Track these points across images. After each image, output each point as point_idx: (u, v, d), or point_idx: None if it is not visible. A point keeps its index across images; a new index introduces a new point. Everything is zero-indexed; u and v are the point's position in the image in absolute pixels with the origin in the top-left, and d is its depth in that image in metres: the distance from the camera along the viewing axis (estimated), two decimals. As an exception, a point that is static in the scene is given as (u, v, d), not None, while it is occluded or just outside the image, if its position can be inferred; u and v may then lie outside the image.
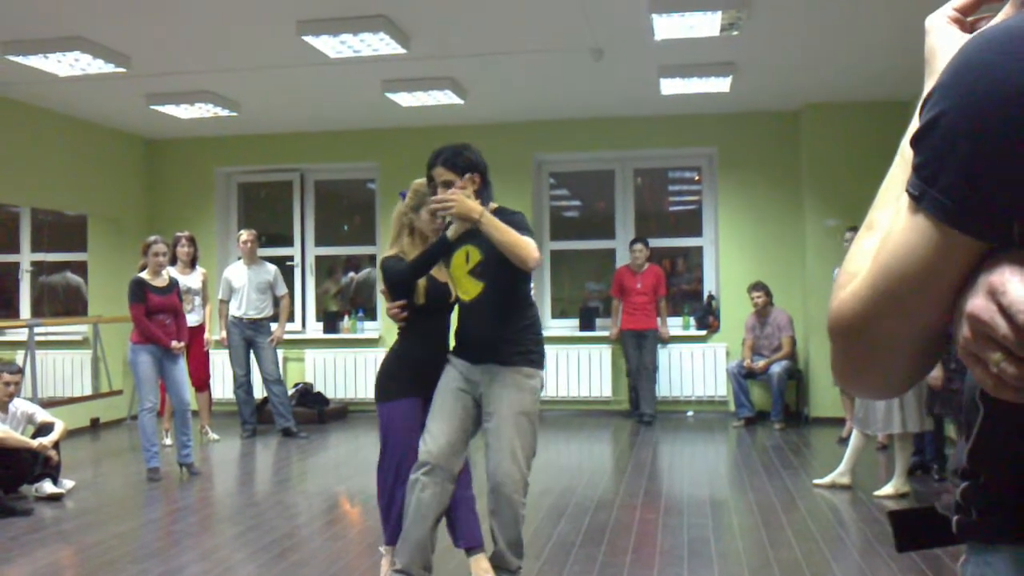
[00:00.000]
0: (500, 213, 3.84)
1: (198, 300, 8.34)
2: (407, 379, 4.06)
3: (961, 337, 0.84)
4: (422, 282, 4.02)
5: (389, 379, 4.12)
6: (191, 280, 8.25)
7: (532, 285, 4.10)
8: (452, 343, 4.10)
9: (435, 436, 3.84)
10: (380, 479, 4.15)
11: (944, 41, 1.00)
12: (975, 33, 0.88)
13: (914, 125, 0.92)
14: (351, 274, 11.10)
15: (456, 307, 4.07)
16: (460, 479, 3.99)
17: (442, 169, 3.85)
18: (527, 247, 3.68)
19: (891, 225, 0.91)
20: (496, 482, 3.81)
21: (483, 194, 3.89)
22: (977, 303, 0.82)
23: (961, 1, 1.03)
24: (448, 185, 3.82)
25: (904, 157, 0.97)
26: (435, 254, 3.90)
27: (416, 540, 3.83)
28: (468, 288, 3.92)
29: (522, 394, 3.83)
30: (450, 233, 3.79)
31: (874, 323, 0.92)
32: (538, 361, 3.94)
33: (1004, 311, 0.79)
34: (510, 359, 3.84)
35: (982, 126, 0.81)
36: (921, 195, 0.86)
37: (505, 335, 3.86)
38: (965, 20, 1.03)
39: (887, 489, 5.88)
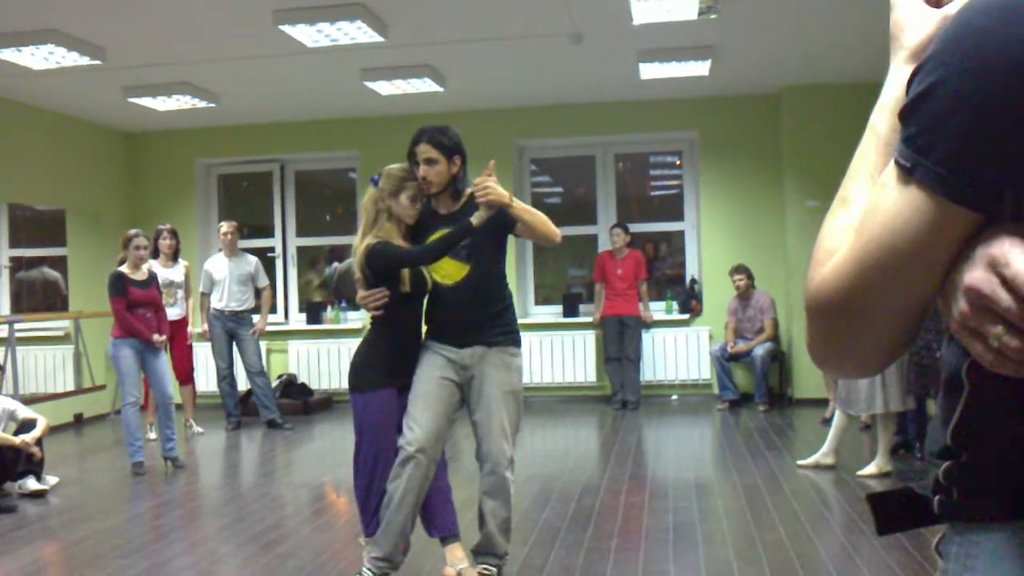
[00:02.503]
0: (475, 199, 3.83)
1: (180, 293, 8.30)
2: (383, 369, 3.97)
3: (957, 312, 0.83)
4: (407, 270, 3.95)
5: (364, 369, 4.00)
6: (173, 273, 8.21)
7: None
8: (425, 330, 4.07)
9: (420, 423, 3.83)
10: (356, 471, 4.09)
11: (911, 15, 0.98)
12: (967, 1, 0.86)
13: (887, 98, 0.91)
14: (335, 264, 11.07)
15: (431, 294, 4.02)
16: (436, 469, 3.99)
17: (427, 146, 3.87)
18: (550, 223, 3.90)
19: (875, 199, 0.89)
20: (493, 462, 3.85)
21: (461, 177, 3.91)
22: (977, 275, 0.80)
23: None
24: (431, 162, 3.85)
25: (876, 131, 0.96)
26: (458, 238, 3.81)
27: (399, 526, 3.84)
28: (450, 272, 3.92)
29: (510, 373, 3.90)
30: (475, 220, 3.75)
31: (860, 299, 0.90)
32: (518, 340, 4.01)
33: (1006, 283, 0.78)
34: (497, 340, 3.90)
35: (983, 94, 0.80)
36: (914, 166, 0.84)
37: (490, 318, 3.91)
38: None
39: (870, 468, 5.92)
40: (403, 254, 3.87)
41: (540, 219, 3.87)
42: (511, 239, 4.07)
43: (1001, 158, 0.80)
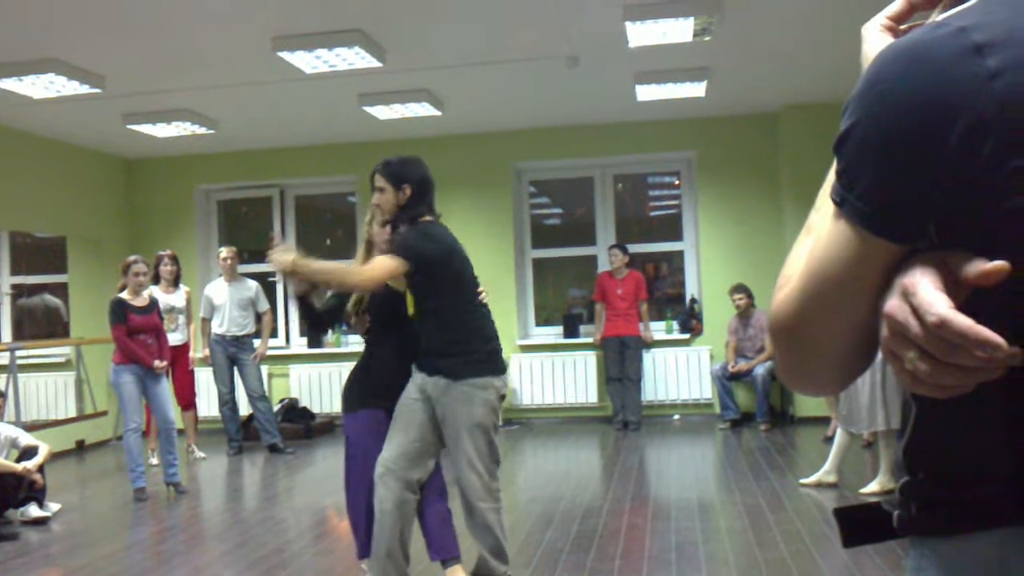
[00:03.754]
0: (416, 228, 3.94)
1: (182, 319, 8.31)
2: (370, 390, 4.11)
3: (881, 336, 0.87)
4: (357, 298, 4.22)
5: (352, 391, 4.18)
6: (174, 299, 8.22)
7: (482, 291, 4.12)
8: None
9: (389, 444, 3.95)
10: (348, 492, 4.15)
11: (875, 49, 1.03)
12: (889, 44, 0.92)
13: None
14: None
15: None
16: (432, 491, 4.03)
17: (378, 175, 4.04)
18: (348, 277, 3.89)
19: (818, 230, 0.95)
20: (460, 489, 3.95)
21: (412, 206, 3.98)
22: (892, 304, 0.85)
23: (893, 9, 1.08)
24: (379, 191, 4.01)
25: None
26: (301, 308, 4.20)
27: (384, 550, 3.88)
28: (410, 303, 4.02)
29: (471, 407, 3.87)
30: (291, 291, 4.04)
31: (805, 325, 0.95)
32: (485, 369, 3.94)
33: (915, 311, 0.82)
34: (457, 371, 3.89)
35: (889, 135, 0.86)
36: (841, 200, 0.90)
37: (446, 347, 3.91)
38: (898, 28, 1.07)
39: (873, 486, 5.92)
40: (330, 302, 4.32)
41: (332, 276, 3.92)
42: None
43: (913, 193, 0.86)
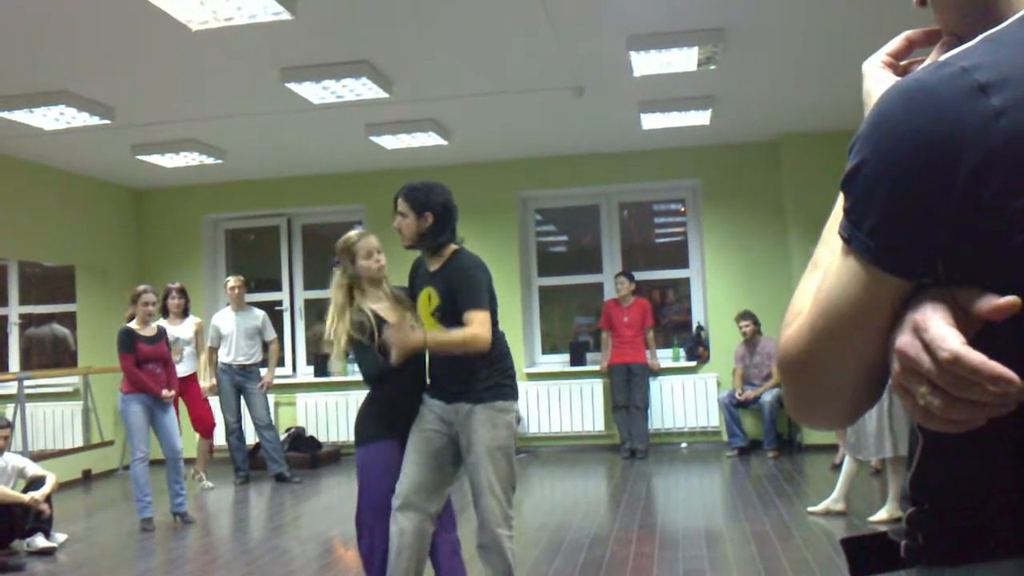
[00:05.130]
0: (456, 258, 3.95)
1: (187, 350, 8.31)
2: (383, 422, 4.05)
3: (892, 371, 0.88)
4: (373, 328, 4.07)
5: (364, 422, 4.11)
6: (180, 330, 8.24)
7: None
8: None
9: (406, 475, 3.89)
10: (359, 524, 4.11)
11: (877, 85, 1.05)
12: (892, 84, 0.94)
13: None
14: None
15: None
16: (442, 522, 4.00)
17: (401, 200, 4.02)
18: (473, 340, 3.81)
19: (827, 265, 0.96)
20: (480, 518, 3.87)
21: (435, 234, 3.98)
22: (903, 339, 0.86)
23: (893, 46, 1.09)
24: (402, 216, 3.99)
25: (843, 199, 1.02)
26: (377, 362, 3.96)
27: None
28: (433, 329, 3.98)
29: (496, 430, 3.87)
30: (393, 361, 3.86)
31: (815, 360, 0.96)
32: (510, 393, 3.96)
33: (927, 347, 0.83)
34: (482, 396, 3.88)
35: (896, 174, 0.87)
36: (850, 237, 0.91)
37: (473, 373, 3.89)
38: (898, 64, 1.09)
39: (881, 514, 5.89)
40: (370, 362, 4.00)
41: (456, 344, 3.85)
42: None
43: (921, 229, 0.87)
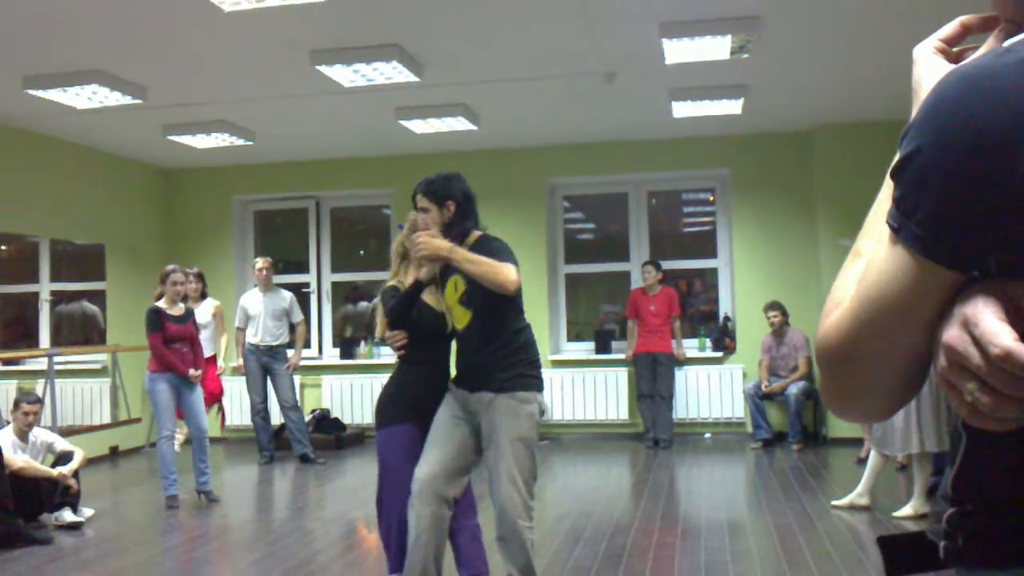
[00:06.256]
0: (483, 241, 3.93)
1: (206, 333, 8.35)
2: (404, 406, 4.09)
3: (939, 366, 0.85)
4: (417, 314, 4.15)
5: (386, 406, 4.16)
6: (199, 314, 8.25)
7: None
8: (454, 372, 4.13)
9: (426, 460, 3.89)
10: (379, 506, 4.13)
11: (929, 71, 1.02)
12: (951, 70, 0.90)
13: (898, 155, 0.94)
14: (376, 300, 11.11)
15: (455, 337, 4.11)
16: (462, 508, 4.00)
17: (420, 196, 4.02)
18: (502, 272, 3.74)
19: (872, 255, 0.93)
20: (499, 508, 3.85)
21: (459, 222, 3.97)
22: (952, 334, 0.83)
23: (946, 32, 1.06)
24: (424, 211, 3.99)
25: (889, 187, 0.99)
26: (411, 295, 4.07)
27: (419, 567, 3.83)
28: (460, 316, 3.98)
29: (518, 421, 3.84)
30: (422, 275, 3.92)
31: (856, 351, 0.94)
32: (534, 384, 3.93)
33: (977, 342, 0.81)
34: (504, 386, 3.85)
35: (953, 164, 0.83)
36: (900, 227, 0.88)
37: (497, 362, 3.87)
38: (950, 51, 1.05)
39: (906, 510, 5.84)
40: (387, 306, 4.20)
41: (483, 268, 3.75)
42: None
43: (975, 222, 0.83)
